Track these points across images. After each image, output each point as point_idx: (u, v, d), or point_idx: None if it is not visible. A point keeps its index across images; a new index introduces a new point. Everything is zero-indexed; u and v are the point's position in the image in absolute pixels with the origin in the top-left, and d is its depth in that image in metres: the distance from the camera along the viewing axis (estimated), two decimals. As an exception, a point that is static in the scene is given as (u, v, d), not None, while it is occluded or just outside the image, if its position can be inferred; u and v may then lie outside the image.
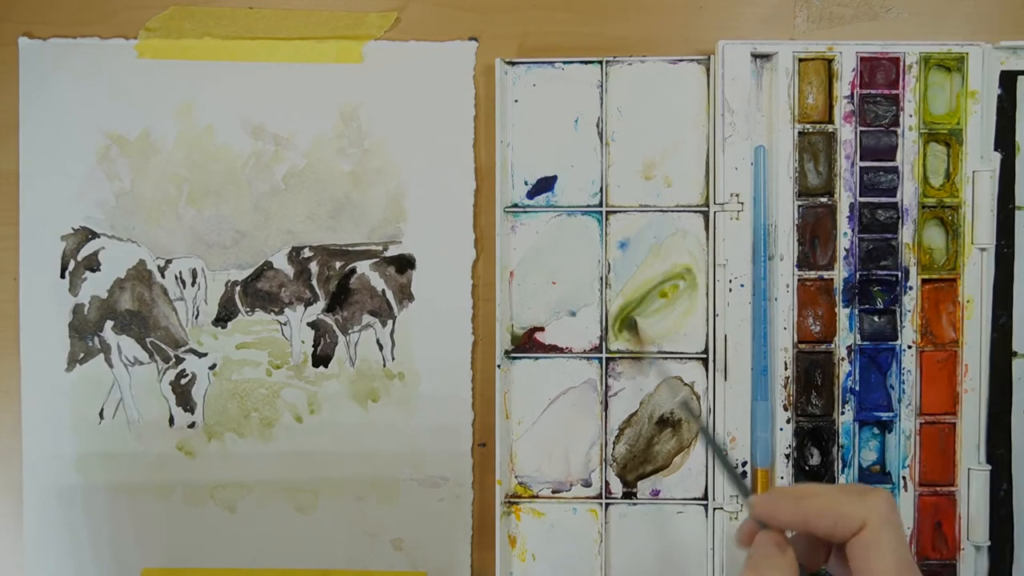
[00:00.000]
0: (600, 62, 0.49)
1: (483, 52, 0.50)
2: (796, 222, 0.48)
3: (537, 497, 0.50)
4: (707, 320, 0.49)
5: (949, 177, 0.49)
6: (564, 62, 0.50)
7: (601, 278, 0.50)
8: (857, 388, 0.48)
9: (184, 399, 0.51)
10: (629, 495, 0.50)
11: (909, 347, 0.48)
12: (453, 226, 0.51)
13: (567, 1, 0.51)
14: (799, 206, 0.48)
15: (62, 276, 0.51)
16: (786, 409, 0.48)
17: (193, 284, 0.51)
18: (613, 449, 0.50)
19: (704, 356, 0.49)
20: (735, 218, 0.48)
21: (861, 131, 0.48)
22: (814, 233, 0.48)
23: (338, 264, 0.51)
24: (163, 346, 0.51)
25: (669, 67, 0.49)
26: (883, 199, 0.48)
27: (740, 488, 0.41)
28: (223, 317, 0.51)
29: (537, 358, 0.50)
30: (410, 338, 0.51)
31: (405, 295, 0.51)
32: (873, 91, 0.48)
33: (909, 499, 0.48)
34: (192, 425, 0.51)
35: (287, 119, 0.51)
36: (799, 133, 0.48)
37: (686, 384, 0.50)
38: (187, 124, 0.51)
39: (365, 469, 0.51)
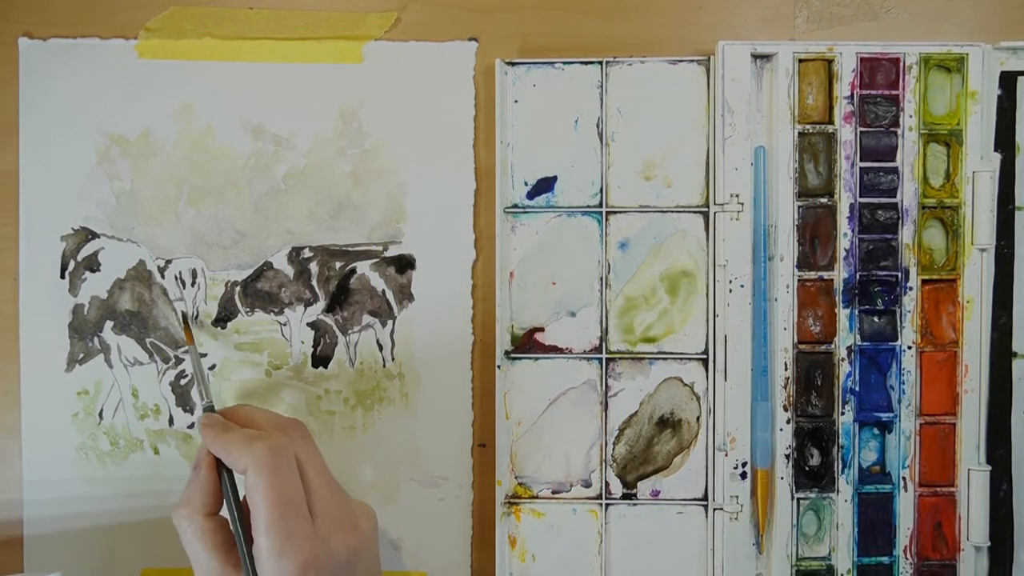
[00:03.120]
0: (600, 62, 0.49)
1: (483, 52, 0.50)
2: (796, 222, 0.48)
3: (537, 497, 0.50)
4: (707, 320, 0.49)
5: (949, 177, 0.49)
6: (564, 62, 0.50)
7: (601, 278, 0.50)
8: (857, 388, 0.48)
9: (184, 399, 0.51)
10: (629, 496, 0.50)
11: (909, 347, 0.48)
12: (453, 226, 0.51)
13: (567, 1, 0.51)
14: (799, 206, 0.48)
15: (62, 276, 0.51)
16: (786, 409, 0.48)
17: (193, 284, 0.51)
18: (613, 449, 0.50)
19: (704, 356, 0.49)
20: (735, 218, 0.48)
21: (861, 131, 0.48)
22: (814, 233, 0.48)
23: (338, 264, 0.51)
24: (163, 346, 0.51)
25: (669, 67, 0.49)
26: (883, 199, 0.48)
27: (205, 403, 0.43)
28: (223, 317, 0.51)
29: (537, 358, 0.50)
30: (410, 338, 0.51)
31: (405, 295, 0.51)
32: (873, 92, 0.48)
33: (909, 499, 0.48)
34: (192, 425, 0.51)
35: (287, 119, 0.51)
36: (799, 133, 0.48)
37: (686, 384, 0.50)
38: (187, 124, 0.51)
39: (365, 469, 0.51)
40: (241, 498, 0.38)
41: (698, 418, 0.50)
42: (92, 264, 0.51)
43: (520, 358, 0.50)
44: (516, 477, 0.50)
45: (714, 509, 0.49)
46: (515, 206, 0.50)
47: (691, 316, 0.50)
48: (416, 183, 0.51)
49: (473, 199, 0.50)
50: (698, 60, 0.49)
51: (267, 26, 0.51)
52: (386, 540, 0.51)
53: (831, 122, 0.48)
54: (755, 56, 0.48)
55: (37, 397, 0.51)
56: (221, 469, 0.39)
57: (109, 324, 0.51)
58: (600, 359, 0.50)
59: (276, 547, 0.35)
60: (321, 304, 0.51)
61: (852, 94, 0.48)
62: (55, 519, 0.51)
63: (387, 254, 0.51)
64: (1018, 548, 0.49)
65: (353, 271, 0.51)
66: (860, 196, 0.48)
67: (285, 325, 0.51)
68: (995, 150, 0.49)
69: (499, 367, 0.49)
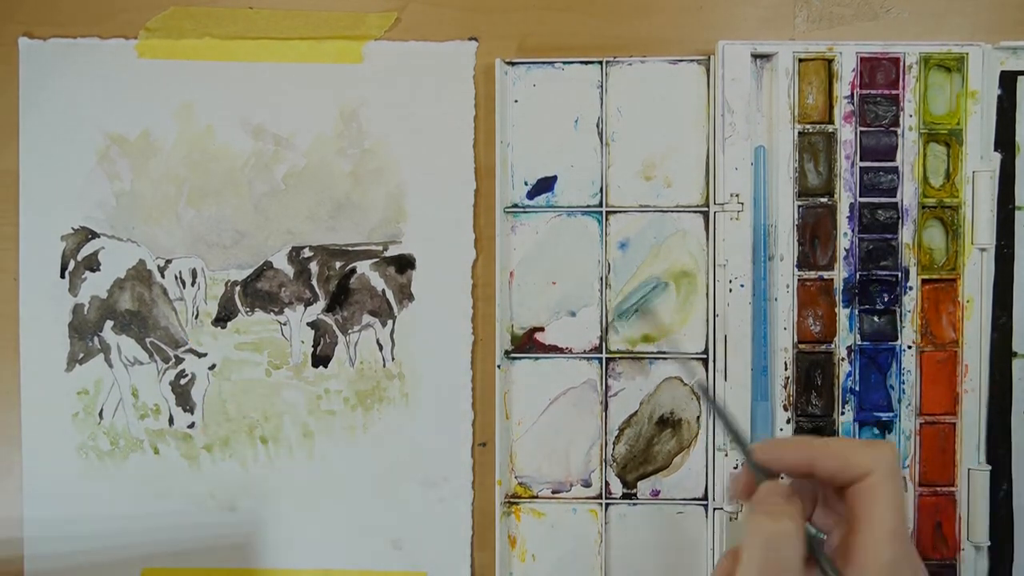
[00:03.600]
0: (600, 62, 0.49)
1: (483, 52, 0.50)
2: (796, 222, 0.48)
3: (537, 497, 0.50)
4: (707, 320, 0.49)
5: (949, 177, 0.49)
6: (564, 62, 0.50)
7: (601, 278, 0.50)
8: (857, 388, 0.48)
9: (184, 399, 0.51)
10: (629, 495, 0.50)
11: (909, 347, 0.48)
12: (453, 226, 0.51)
13: (567, 1, 0.51)
14: (799, 206, 0.48)
15: (62, 276, 0.51)
16: (786, 409, 0.48)
17: (193, 284, 0.51)
18: (613, 449, 0.50)
19: (704, 356, 0.49)
20: (735, 218, 0.48)
21: (861, 131, 0.48)
22: (814, 233, 0.48)
23: (338, 264, 0.51)
24: (163, 346, 0.51)
25: (669, 67, 0.49)
26: (883, 199, 0.48)
27: (740, 440, 0.39)
28: (223, 317, 0.51)
29: (537, 358, 0.50)
30: (410, 338, 0.51)
31: (405, 295, 0.51)
32: (873, 91, 0.48)
33: (909, 499, 0.48)
34: (192, 425, 0.51)
35: (287, 119, 0.51)
36: (799, 133, 0.48)
37: (686, 384, 0.50)
38: (187, 124, 0.51)
39: (365, 469, 0.51)
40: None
41: (698, 418, 0.50)
42: (92, 264, 0.51)
43: (520, 358, 0.50)
44: (516, 477, 0.50)
45: (714, 509, 0.49)
46: (515, 206, 0.50)
47: (691, 316, 0.50)
48: (416, 183, 0.51)
49: (473, 199, 0.50)
50: (698, 60, 0.49)
51: (267, 26, 0.51)
52: (386, 540, 0.51)
53: (831, 122, 0.48)
54: (755, 56, 0.48)
55: (37, 397, 0.51)
56: None
57: (109, 324, 0.51)
58: (600, 359, 0.50)
59: (898, 553, 0.31)
60: (321, 304, 0.51)
61: (852, 94, 0.48)
62: (55, 519, 0.51)
63: (387, 254, 0.51)
64: (1018, 548, 0.49)
65: (353, 271, 0.51)
66: (860, 196, 0.48)
67: (285, 325, 0.51)
68: (995, 150, 0.49)
69: (499, 367, 0.49)
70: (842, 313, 0.48)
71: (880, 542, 0.31)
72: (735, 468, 0.48)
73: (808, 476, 0.34)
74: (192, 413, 0.51)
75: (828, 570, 0.32)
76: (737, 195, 0.48)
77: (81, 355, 0.51)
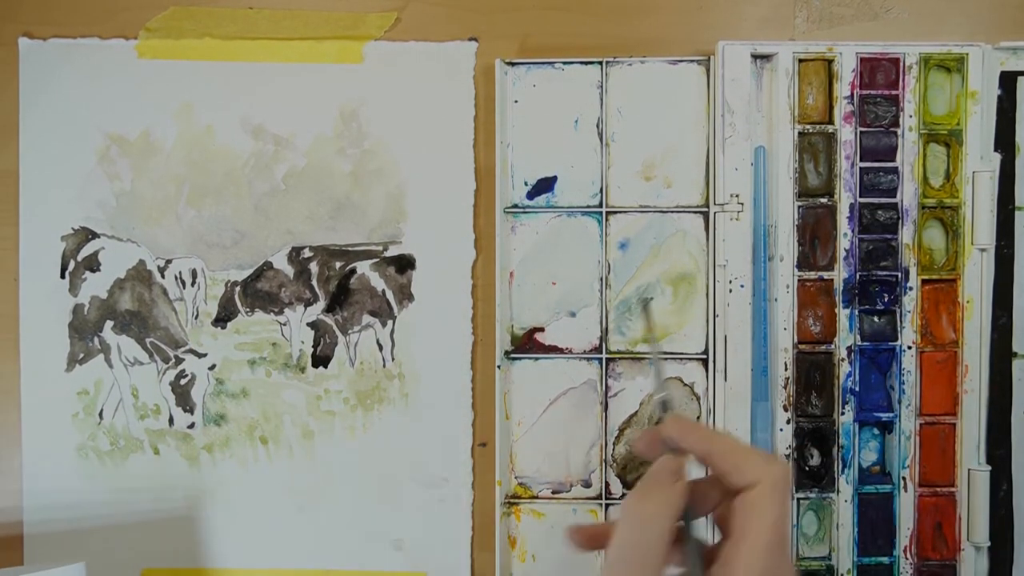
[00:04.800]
0: (600, 62, 0.49)
1: (483, 52, 0.50)
2: (796, 223, 0.48)
3: (537, 498, 0.50)
4: (707, 321, 0.49)
5: (949, 178, 0.49)
6: (564, 62, 0.50)
7: (601, 279, 0.50)
8: (857, 389, 0.48)
9: (184, 399, 0.51)
10: (629, 495, 0.50)
11: (909, 347, 0.48)
12: (453, 226, 0.50)
13: (567, 1, 0.51)
14: (799, 207, 0.48)
15: (62, 276, 0.51)
16: (786, 410, 0.48)
17: (193, 284, 0.51)
18: (613, 450, 0.50)
19: (704, 357, 0.49)
20: (735, 219, 0.48)
21: (861, 132, 0.48)
22: (814, 234, 0.48)
23: (338, 264, 0.51)
24: (163, 346, 0.51)
25: (669, 67, 0.49)
26: (883, 200, 0.48)
27: (662, 403, 0.39)
28: (223, 317, 0.51)
29: (537, 358, 0.50)
30: (410, 338, 0.51)
31: (405, 295, 0.51)
32: (873, 92, 0.48)
33: (909, 499, 0.48)
34: (192, 425, 0.51)
35: (287, 119, 0.51)
36: (799, 134, 0.48)
37: (686, 385, 0.50)
38: (187, 124, 0.51)
39: (365, 469, 0.51)
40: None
41: (698, 418, 0.50)
42: (92, 264, 0.51)
43: (520, 358, 0.50)
44: (516, 477, 0.50)
45: (714, 509, 0.49)
46: (515, 206, 0.50)
47: (691, 316, 0.50)
48: (416, 183, 0.51)
49: (473, 199, 0.50)
50: (698, 60, 0.49)
51: (267, 26, 0.51)
52: (386, 540, 0.51)
53: (831, 122, 0.48)
54: (755, 56, 0.48)
55: (37, 397, 0.51)
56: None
57: (109, 324, 0.51)
58: (600, 359, 0.50)
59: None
60: (321, 304, 0.51)
61: (852, 94, 0.48)
62: (55, 519, 0.51)
63: (387, 254, 0.51)
64: (1018, 548, 0.49)
65: (353, 271, 0.51)
66: (860, 196, 0.48)
67: (285, 325, 0.51)
68: (995, 150, 0.49)
69: (499, 367, 0.49)
70: (842, 313, 0.48)
71: (752, 554, 0.31)
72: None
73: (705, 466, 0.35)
74: (192, 413, 0.51)
75: (692, 559, 0.33)
76: (737, 195, 0.48)
77: (81, 355, 0.51)
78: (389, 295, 0.51)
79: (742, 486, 0.33)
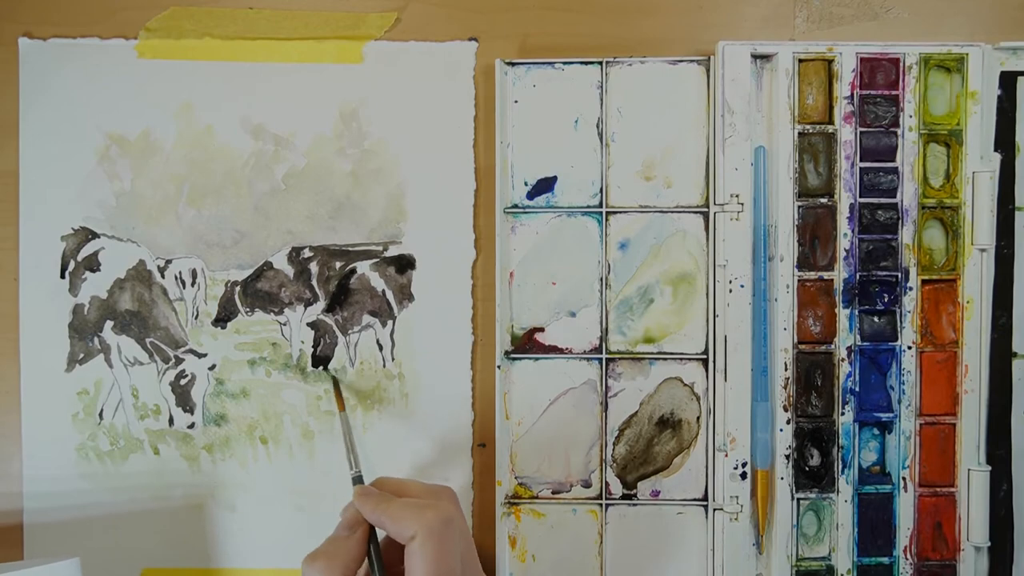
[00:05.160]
0: (600, 62, 0.49)
1: (483, 52, 0.50)
2: (796, 223, 0.48)
3: (537, 498, 0.50)
4: (707, 321, 0.49)
5: (949, 178, 0.49)
6: (564, 62, 0.50)
7: (601, 279, 0.50)
8: (857, 389, 0.48)
9: (184, 399, 0.51)
10: (629, 496, 0.50)
11: (909, 348, 0.48)
12: (453, 226, 0.51)
13: (567, 1, 0.51)
14: (799, 207, 0.48)
15: (62, 276, 0.51)
16: (786, 410, 0.48)
17: (193, 284, 0.51)
18: (613, 450, 0.50)
19: (704, 357, 0.49)
20: (735, 219, 0.48)
21: (861, 132, 0.48)
22: (814, 234, 0.48)
23: (338, 264, 0.51)
24: (163, 346, 0.51)
25: (669, 67, 0.49)
26: (883, 200, 0.48)
27: (352, 479, 0.43)
28: (223, 317, 0.51)
29: (537, 359, 0.50)
30: (410, 338, 0.51)
31: (405, 295, 0.51)
32: (873, 92, 0.48)
33: (909, 500, 0.48)
34: (192, 425, 0.51)
35: (287, 119, 0.51)
36: (799, 134, 0.48)
37: (686, 385, 0.50)
38: (187, 124, 0.51)
39: (365, 469, 0.50)
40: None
41: (698, 418, 0.50)
42: (92, 264, 0.51)
43: (520, 358, 0.50)
44: (516, 477, 0.50)
45: (714, 509, 0.49)
46: (515, 206, 0.50)
47: (691, 316, 0.50)
48: (416, 183, 0.51)
49: (473, 199, 0.50)
50: (698, 60, 0.49)
51: (267, 26, 0.51)
52: (386, 540, 0.51)
53: (831, 122, 0.48)
54: (755, 56, 0.48)
55: (37, 397, 0.51)
56: (372, 536, 0.40)
57: (109, 324, 0.51)
58: (600, 359, 0.50)
59: None
60: (321, 304, 0.51)
61: (852, 94, 0.48)
62: (55, 519, 0.51)
63: (387, 254, 0.51)
64: (1018, 548, 0.49)
65: (353, 271, 0.51)
66: (860, 196, 0.48)
67: (285, 325, 0.51)
68: (995, 150, 0.49)
69: (499, 367, 0.49)
70: (842, 313, 0.48)
71: None
72: (735, 469, 0.48)
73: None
74: (192, 413, 0.51)
75: None
76: (737, 195, 0.48)
77: (81, 355, 0.51)
78: (389, 295, 0.51)
79: (406, 539, 0.37)
